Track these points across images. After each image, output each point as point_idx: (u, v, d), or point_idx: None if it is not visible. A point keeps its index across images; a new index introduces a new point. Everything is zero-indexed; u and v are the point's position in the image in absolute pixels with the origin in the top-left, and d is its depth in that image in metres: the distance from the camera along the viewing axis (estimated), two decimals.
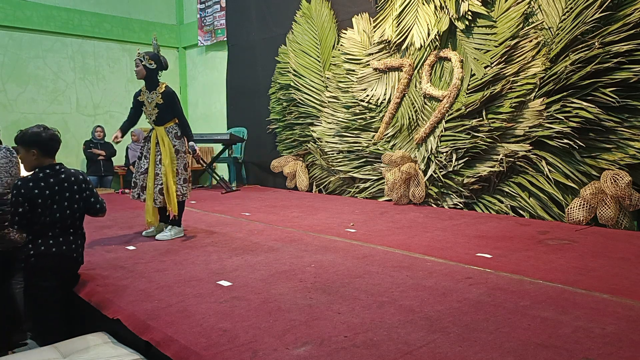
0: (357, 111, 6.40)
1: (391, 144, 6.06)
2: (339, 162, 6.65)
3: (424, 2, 5.60)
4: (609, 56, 4.24)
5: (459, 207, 5.42)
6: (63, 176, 2.80)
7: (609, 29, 4.26)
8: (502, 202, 5.08)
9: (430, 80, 5.64)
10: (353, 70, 6.43)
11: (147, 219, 4.19)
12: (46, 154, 2.77)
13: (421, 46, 5.66)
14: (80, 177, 2.90)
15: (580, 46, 4.41)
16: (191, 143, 4.25)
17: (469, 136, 5.23)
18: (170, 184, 4.06)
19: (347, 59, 6.50)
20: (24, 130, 2.78)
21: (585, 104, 4.40)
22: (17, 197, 2.65)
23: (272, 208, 5.71)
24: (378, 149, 6.18)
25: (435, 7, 5.48)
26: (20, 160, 2.85)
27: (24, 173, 3.06)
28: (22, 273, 2.81)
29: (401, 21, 5.85)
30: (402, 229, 4.39)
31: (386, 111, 6.07)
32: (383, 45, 6.08)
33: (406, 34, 5.81)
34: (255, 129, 8.07)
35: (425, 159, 5.67)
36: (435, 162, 5.55)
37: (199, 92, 9.92)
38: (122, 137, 4.36)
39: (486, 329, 2.17)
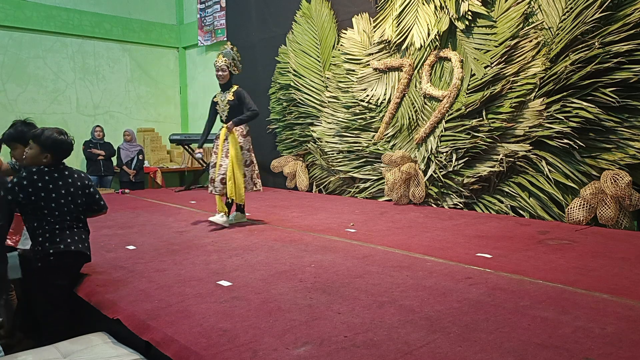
0: (357, 111, 6.40)
1: (391, 144, 6.06)
2: (339, 162, 6.65)
3: (424, 2, 5.60)
4: (609, 56, 4.24)
5: (459, 207, 5.42)
6: (67, 172, 2.87)
7: (609, 29, 4.26)
8: (502, 202, 5.08)
9: (430, 80, 5.64)
10: (353, 70, 6.43)
11: (218, 207, 4.61)
12: (58, 160, 2.84)
13: (421, 46, 5.66)
14: (82, 174, 2.98)
15: (580, 46, 4.41)
16: (231, 123, 4.53)
17: (469, 136, 5.23)
18: (238, 175, 4.47)
19: (347, 59, 6.50)
20: (46, 130, 2.81)
21: (585, 104, 4.40)
22: (16, 186, 2.68)
23: (272, 208, 5.71)
24: (378, 149, 6.18)
25: (435, 7, 5.48)
26: (24, 153, 2.87)
27: None
28: (35, 273, 2.81)
29: (401, 21, 5.84)
30: (402, 229, 4.39)
31: (386, 111, 6.07)
32: (383, 45, 6.08)
33: (406, 34, 5.81)
34: (255, 129, 8.04)
35: (425, 159, 5.67)
36: (435, 162, 5.55)
37: (199, 92, 9.92)
38: (200, 147, 4.96)
39: (486, 329, 2.16)
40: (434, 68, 5.63)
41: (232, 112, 4.58)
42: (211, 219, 4.56)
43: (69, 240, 2.81)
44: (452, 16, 5.32)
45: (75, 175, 2.91)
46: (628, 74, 4.17)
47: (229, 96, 4.60)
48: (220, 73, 4.61)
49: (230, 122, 4.50)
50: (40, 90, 8.46)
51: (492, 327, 2.18)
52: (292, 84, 7.23)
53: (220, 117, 4.70)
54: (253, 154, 4.74)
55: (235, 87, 4.65)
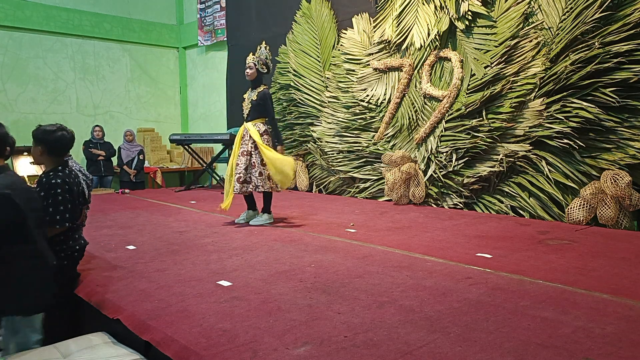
0: (357, 111, 6.40)
1: (391, 144, 6.06)
2: (339, 162, 6.65)
3: (424, 2, 5.61)
4: (609, 56, 4.24)
5: (459, 207, 5.42)
6: (73, 173, 2.93)
7: (609, 29, 4.26)
8: (502, 202, 5.08)
9: (430, 80, 5.64)
10: (353, 70, 6.43)
11: (222, 204, 4.64)
12: (59, 154, 2.87)
13: (421, 46, 5.66)
14: (79, 168, 3.10)
15: (580, 46, 4.42)
16: (279, 147, 4.69)
17: (469, 136, 5.23)
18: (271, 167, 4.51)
19: (347, 59, 6.50)
20: (41, 126, 2.83)
21: (585, 104, 4.40)
22: (63, 193, 2.73)
23: (272, 208, 5.71)
24: (378, 149, 6.18)
25: (435, 7, 5.48)
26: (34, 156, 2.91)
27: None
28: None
29: (401, 21, 5.85)
30: (402, 229, 4.39)
31: (386, 111, 6.07)
32: (383, 45, 6.08)
33: (406, 34, 5.81)
34: None
35: (425, 159, 5.67)
36: (435, 162, 5.55)
37: (199, 92, 9.92)
38: None
39: (486, 329, 2.16)
40: (434, 68, 5.63)
41: (253, 111, 4.66)
42: (252, 222, 4.71)
43: (82, 235, 3.01)
44: (452, 16, 5.32)
45: (75, 173, 2.95)
46: (628, 74, 4.17)
47: (254, 96, 4.65)
48: (247, 70, 4.66)
49: (280, 146, 4.71)
50: (40, 90, 8.46)
51: (492, 327, 2.18)
52: (292, 84, 7.23)
53: (243, 113, 4.74)
54: None
55: (262, 88, 4.67)
